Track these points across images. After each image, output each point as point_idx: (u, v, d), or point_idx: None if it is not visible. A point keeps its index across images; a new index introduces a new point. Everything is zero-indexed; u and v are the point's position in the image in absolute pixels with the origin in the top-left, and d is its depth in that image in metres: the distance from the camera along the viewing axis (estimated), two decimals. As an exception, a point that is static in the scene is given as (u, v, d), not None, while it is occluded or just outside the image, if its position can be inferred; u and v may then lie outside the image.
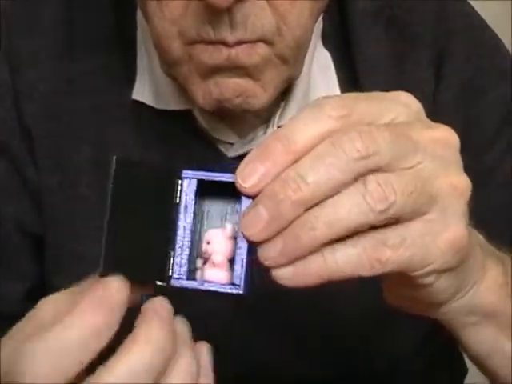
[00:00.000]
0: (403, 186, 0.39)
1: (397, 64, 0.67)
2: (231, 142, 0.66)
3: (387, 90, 0.62)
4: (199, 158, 0.65)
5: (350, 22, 0.67)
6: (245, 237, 0.39)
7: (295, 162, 0.39)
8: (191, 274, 0.41)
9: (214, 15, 0.52)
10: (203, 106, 0.57)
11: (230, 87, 0.55)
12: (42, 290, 0.70)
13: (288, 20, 0.54)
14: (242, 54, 0.53)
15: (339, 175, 0.38)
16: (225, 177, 0.40)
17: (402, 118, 0.42)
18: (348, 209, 0.38)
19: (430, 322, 0.72)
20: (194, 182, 0.41)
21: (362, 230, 0.39)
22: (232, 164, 0.40)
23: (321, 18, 0.66)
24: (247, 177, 0.39)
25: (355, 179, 0.39)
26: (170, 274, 0.40)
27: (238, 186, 0.39)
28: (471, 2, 0.73)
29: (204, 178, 0.40)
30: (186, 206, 0.40)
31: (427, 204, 0.40)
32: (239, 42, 0.53)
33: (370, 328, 0.69)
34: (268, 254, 0.39)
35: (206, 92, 0.55)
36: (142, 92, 0.66)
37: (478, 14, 0.72)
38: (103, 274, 0.38)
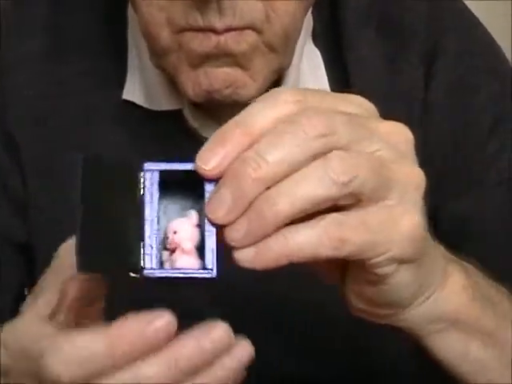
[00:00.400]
0: (365, 162, 0.39)
1: (388, 63, 0.67)
2: None
3: (378, 90, 0.63)
4: (189, 157, 0.65)
5: (342, 21, 0.67)
6: (210, 221, 0.39)
7: (252, 145, 0.39)
8: (161, 265, 0.41)
9: (202, 2, 0.52)
10: (193, 98, 0.57)
11: (220, 77, 0.55)
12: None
13: (276, 7, 0.54)
14: (231, 41, 0.54)
15: (298, 152, 0.38)
16: (186, 166, 0.41)
17: (357, 112, 0.42)
18: (310, 182, 0.38)
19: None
20: (157, 173, 0.41)
21: (324, 211, 0.39)
22: (188, 159, 0.41)
23: (311, 15, 0.66)
24: (207, 160, 0.39)
25: (313, 157, 0.39)
26: (142, 265, 0.40)
27: (199, 170, 0.39)
28: (471, 2, 0.73)
29: (166, 168, 0.41)
30: (150, 198, 0.41)
31: (386, 188, 0.40)
32: (228, 29, 0.53)
33: (367, 328, 0.69)
34: (234, 236, 0.39)
35: (196, 83, 0.56)
36: (132, 92, 0.66)
37: (471, 12, 0.71)
38: (80, 269, 0.39)
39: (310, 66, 0.66)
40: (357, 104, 0.42)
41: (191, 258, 0.41)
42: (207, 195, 0.40)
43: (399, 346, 0.71)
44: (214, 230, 0.40)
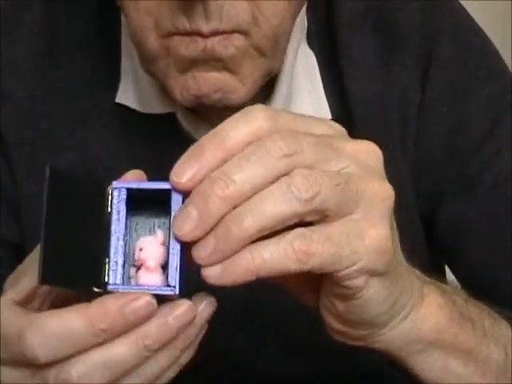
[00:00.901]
0: (328, 180, 0.40)
1: (383, 66, 0.66)
2: None
3: (373, 92, 0.62)
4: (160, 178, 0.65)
5: (337, 23, 0.67)
6: (176, 238, 0.40)
7: (225, 159, 0.40)
8: (126, 281, 0.42)
9: (188, 5, 0.52)
10: (182, 102, 0.57)
11: (208, 82, 0.55)
12: None
13: (264, 9, 0.54)
14: (218, 46, 0.53)
15: (263, 172, 0.40)
16: (154, 185, 0.42)
17: (326, 133, 0.43)
18: (275, 199, 0.39)
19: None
20: (124, 191, 0.42)
21: (289, 227, 0.40)
22: (159, 179, 0.42)
23: (305, 17, 0.66)
24: (182, 173, 0.40)
25: (278, 178, 0.40)
26: (107, 280, 0.41)
27: (172, 182, 0.40)
28: (471, 2, 0.72)
29: (134, 187, 0.42)
30: (117, 215, 0.42)
31: (352, 202, 0.41)
32: (214, 33, 0.53)
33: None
34: (201, 253, 0.40)
35: (184, 87, 0.55)
36: (125, 95, 0.66)
37: (467, 12, 0.71)
38: (41, 282, 0.39)
39: (304, 67, 0.66)
40: (326, 126, 0.43)
41: (155, 275, 0.42)
42: (173, 213, 0.41)
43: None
44: (178, 248, 0.41)
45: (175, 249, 0.41)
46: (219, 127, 0.41)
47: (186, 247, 0.41)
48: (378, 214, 0.42)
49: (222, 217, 0.39)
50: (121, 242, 0.41)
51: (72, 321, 0.40)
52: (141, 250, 0.42)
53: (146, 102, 0.65)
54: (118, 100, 0.66)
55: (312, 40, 0.67)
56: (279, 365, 0.69)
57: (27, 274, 0.45)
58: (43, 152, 0.67)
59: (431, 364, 0.50)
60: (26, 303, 0.44)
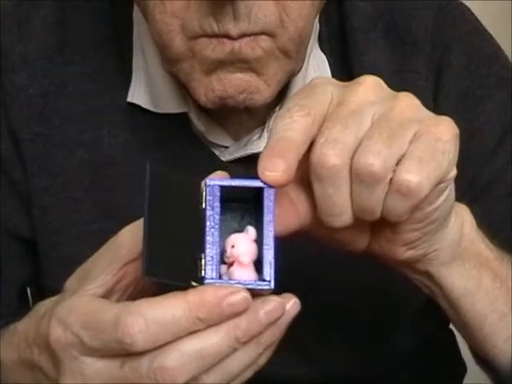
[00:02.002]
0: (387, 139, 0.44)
1: (396, 72, 0.67)
2: (226, 145, 0.65)
3: None
4: (193, 161, 0.65)
5: (349, 26, 0.67)
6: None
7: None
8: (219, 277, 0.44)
9: (217, 7, 0.52)
10: (205, 104, 0.56)
11: (234, 83, 0.55)
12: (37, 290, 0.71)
13: (290, 11, 0.54)
14: (246, 47, 0.53)
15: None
16: (247, 182, 0.43)
17: None
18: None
19: (429, 323, 0.74)
20: (218, 188, 0.43)
21: None
22: (249, 177, 0.43)
23: (317, 20, 0.66)
24: (273, 168, 0.43)
25: None
26: (203, 275, 0.42)
27: (265, 178, 0.42)
28: (471, 2, 0.73)
29: (227, 184, 0.43)
30: (212, 212, 0.43)
31: (409, 129, 0.44)
32: (242, 35, 0.53)
33: (369, 329, 0.69)
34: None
35: (209, 89, 0.55)
36: (137, 94, 0.66)
37: (478, 21, 0.71)
38: (145, 275, 0.41)
39: (316, 70, 0.66)
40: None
41: (248, 271, 0.43)
42: (266, 210, 0.43)
43: (401, 348, 0.72)
44: (272, 244, 0.43)
45: (269, 244, 0.42)
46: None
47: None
48: (432, 116, 0.46)
49: None
50: (216, 238, 0.43)
51: (172, 307, 0.41)
52: (233, 246, 0.43)
53: (158, 102, 0.65)
54: (129, 99, 0.66)
55: (324, 43, 0.67)
56: (280, 365, 0.70)
57: (102, 271, 0.45)
58: (55, 149, 0.67)
59: (466, 271, 0.52)
60: (104, 297, 0.45)
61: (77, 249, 0.65)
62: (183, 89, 0.61)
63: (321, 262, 0.65)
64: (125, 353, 0.41)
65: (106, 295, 0.45)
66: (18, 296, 0.70)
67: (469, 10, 0.71)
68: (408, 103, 0.45)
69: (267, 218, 0.43)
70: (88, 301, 0.44)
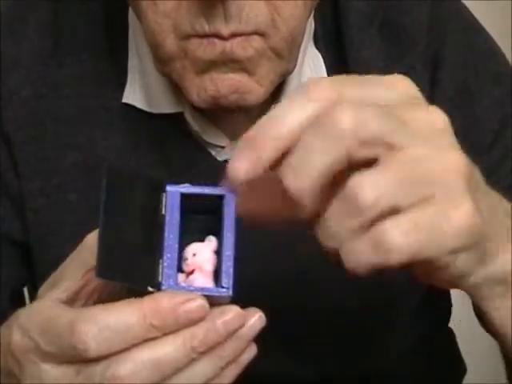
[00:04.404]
0: (392, 176, 0.39)
1: (391, 68, 0.66)
2: (222, 145, 0.65)
3: None
4: (189, 161, 0.65)
5: (344, 24, 0.67)
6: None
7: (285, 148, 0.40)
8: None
9: (208, 7, 0.52)
10: (198, 104, 0.56)
11: (226, 83, 0.55)
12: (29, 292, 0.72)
13: (282, 11, 0.54)
14: (237, 47, 0.53)
15: (330, 160, 0.39)
16: (209, 190, 0.42)
17: (395, 98, 0.42)
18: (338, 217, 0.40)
19: (427, 322, 0.74)
20: (178, 195, 0.42)
21: None
22: (213, 185, 0.42)
23: (312, 17, 0.66)
24: (238, 169, 0.40)
25: (347, 158, 0.39)
26: (160, 280, 0.41)
27: (232, 177, 0.40)
28: (471, 2, 0.73)
29: (188, 191, 0.42)
30: (171, 218, 0.42)
31: (424, 189, 0.40)
32: (234, 35, 0.53)
33: (367, 328, 0.69)
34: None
35: (201, 88, 0.55)
36: (132, 95, 0.66)
37: (473, 16, 0.71)
38: (98, 276, 0.40)
39: (311, 68, 0.66)
40: (399, 90, 0.42)
41: (209, 280, 0.42)
42: (225, 219, 0.41)
43: (399, 347, 0.72)
44: (231, 251, 0.41)
45: (228, 251, 0.41)
46: (275, 111, 0.41)
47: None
48: (457, 192, 0.40)
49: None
50: (175, 245, 0.42)
51: (126, 314, 0.40)
52: (194, 255, 0.42)
53: (153, 102, 0.65)
54: (124, 100, 0.66)
55: (319, 41, 0.67)
56: (280, 365, 0.70)
57: (69, 276, 0.45)
58: (48, 151, 0.67)
59: (508, 310, 0.48)
60: (69, 302, 0.44)
61: (70, 250, 0.65)
62: (178, 88, 0.61)
63: (318, 261, 0.65)
64: (80, 359, 0.41)
65: (71, 301, 0.45)
66: (10, 298, 0.70)
67: (464, 6, 0.71)
68: None
69: (226, 223, 0.42)
70: (47, 306, 0.43)
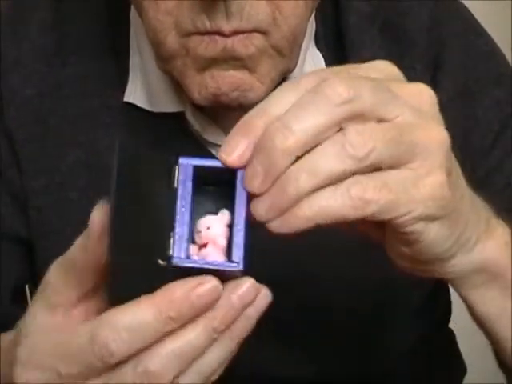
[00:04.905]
0: (382, 134, 0.40)
1: None
2: None
3: None
4: None
5: (345, 25, 0.67)
6: (247, 189, 0.41)
7: None
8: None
9: (210, 5, 0.52)
10: (199, 101, 0.57)
11: (227, 80, 0.55)
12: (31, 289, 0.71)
13: (283, 9, 0.54)
14: (238, 45, 0.53)
15: (323, 120, 0.40)
16: (219, 163, 0.42)
17: (380, 77, 0.43)
18: (329, 158, 0.40)
19: (428, 322, 0.74)
20: (191, 167, 0.42)
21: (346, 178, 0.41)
22: None
23: (313, 18, 0.66)
24: (231, 152, 0.40)
25: (339, 124, 0.40)
26: (171, 253, 0.41)
27: (223, 161, 0.41)
28: (471, 2, 0.73)
29: (200, 164, 0.42)
30: (183, 191, 0.42)
31: (408, 153, 0.41)
32: (235, 32, 0.53)
33: (368, 328, 0.69)
34: (259, 211, 0.40)
35: (202, 86, 0.55)
36: (133, 94, 0.66)
37: (474, 17, 0.71)
38: (110, 256, 0.40)
39: (312, 68, 0.65)
40: (380, 69, 0.44)
41: (221, 254, 0.42)
42: (238, 192, 0.41)
43: (399, 347, 0.72)
44: (242, 225, 0.41)
45: (239, 225, 0.41)
46: (264, 101, 0.41)
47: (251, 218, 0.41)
48: (435, 161, 0.42)
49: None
50: (186, 218, 0.42)
51: (141, 312, 0.40)
52: (208, 228, 0.42)
53: (154, 101, 0.65)
54: (126, 99, 0.66)
55: (320, 41, 0.67)
56: (280, 365, 0.70)
57: (65, 284, 0.44)
58: (51, 149, 0.67)
59: (490, 300, 0.50)
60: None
61: None
62: (179, 88, 0.61)
63: (320, 260, 0.65)
64: (107, 367, 0.41)
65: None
66: (12, 296, 0.70)
67: (465, 7, 0.71)
68: None
69: (239, 199, 0.41)
70: (48, 334, 0.43)
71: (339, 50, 0.67)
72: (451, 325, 0.81)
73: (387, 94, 0.41)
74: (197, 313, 0.40)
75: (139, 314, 0.40)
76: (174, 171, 0.42)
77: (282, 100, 0.41)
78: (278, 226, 0.40)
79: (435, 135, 0.42)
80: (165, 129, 0.66)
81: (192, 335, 0.41)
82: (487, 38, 0.71)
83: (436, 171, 0.42)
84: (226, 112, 0.62)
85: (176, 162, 0.42)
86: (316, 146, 0.40)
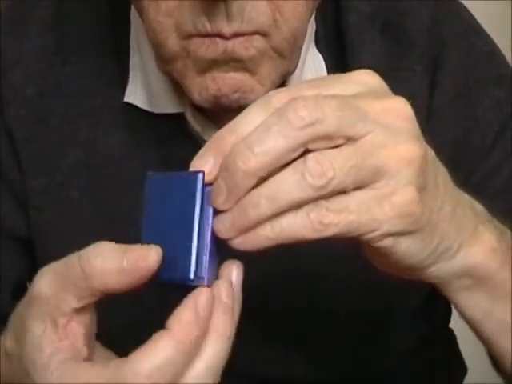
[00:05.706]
0: (343, 162, 0.41)
1: (392, 70, 0.66)
2: None
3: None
4: (190, 161, 0.65)
5: (345, 25, 0.67)
6: (213, 206, 0.42)
7: None
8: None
9: (211, 7, 0.52)
10: (199, 103, 0.57)
11: (228, 82, 0.55)
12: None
13: (284, 11, 0.54)
14: (239, 47, 0.53)
15: (285, 143, 0.40)
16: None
17: (357, 91, 0.43)
18: (289, 185, 0.41)
19: (428, 322, 0.74)
20: (202, 188, 0.43)
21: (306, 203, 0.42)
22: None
23: (313, 18, 0.66)
24: (200, 167, 0.43)
25: (304, 145, 0.41)
26: (199, 274, 0.43)
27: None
28: (471, 2, 0.73)
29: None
30: (200, 211, 0.43)
31: (371, 176, 0.42)
32: (236, 34, 0.53)
33: (366, 329, 0.69)
34: (220, 228, 0.42)
35: (203, 87, 0.55)
36: (133, 94, 0.66)
37: (474, 18, 0.71)
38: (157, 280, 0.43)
39: (312, 69, 0.66)
40: (362, 82, 0.44)
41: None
42: (205, 208, 0.43)
43: (400, 347, 0.72)
44: (208, 242, 0.43)
45: (206, 240, 0.43)
46: (234, 120, 0.42)
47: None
48: (403, 180, 0.42)
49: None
50: (205, 233, 0.43)
51: (163, 350, 0.40)
52: None
53: (154, 102, 0.65)
54: (126, 99, 0.66)
55: (320, 42, 0.67)
56: (279, 365, 0.70)
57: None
58: (51, 149, 0.67)
59: (475, 303, 0.51)
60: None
61: (73, 248, 0.65)
62: (179, 89, 0.61)
63: (318, 263, 0.65)
64: None
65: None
66: (12, 294, 0.70)
67: (464, 7, 0.71)
68: None
69: (206, 212, 0.43)
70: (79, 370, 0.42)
71: (339, 50, 0.67)
72: (451, 325, 0.81)
73: (355, 112, 0.41)
74: (206, 322, 0.42)
75: (162, 353, 0.40)
76: (195, 192, 0.43)
77: (252, 118, 0.42)
78: (239, 243, 0.42)
79: (404, 153, 0.42)
80: (165, 129, 0.66)
81: (217, 347, 0.42)
82: (487, 39, 0.71)
83: (403, 189, 0.42)
84: (226, 113, 0.62)
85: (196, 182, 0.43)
86: (282, 166, 0.41)
